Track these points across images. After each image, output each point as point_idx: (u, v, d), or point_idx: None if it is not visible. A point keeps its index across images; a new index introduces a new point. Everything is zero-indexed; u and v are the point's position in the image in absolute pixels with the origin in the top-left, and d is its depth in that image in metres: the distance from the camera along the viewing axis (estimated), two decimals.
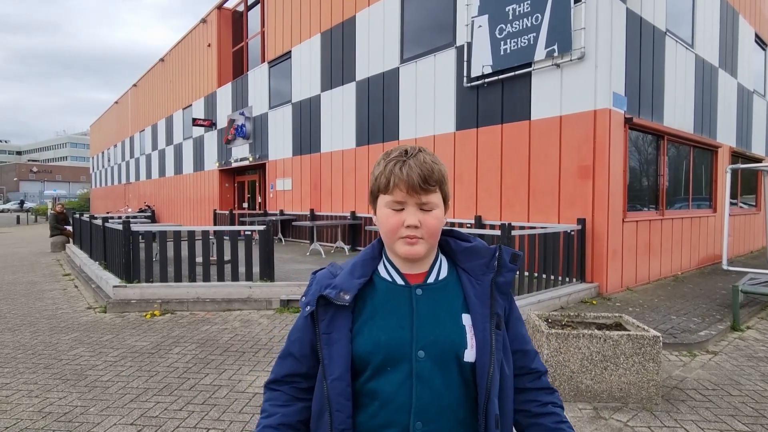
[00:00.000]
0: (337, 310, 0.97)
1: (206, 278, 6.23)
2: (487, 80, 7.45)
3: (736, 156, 10.27)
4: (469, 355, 0.94)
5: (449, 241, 1.04)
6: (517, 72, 7.02)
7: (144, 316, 5.63)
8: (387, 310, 0.97)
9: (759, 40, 11.35)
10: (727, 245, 5.66)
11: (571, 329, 3.40)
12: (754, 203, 11.74)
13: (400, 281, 0.99)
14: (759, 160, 11.23)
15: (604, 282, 6.25)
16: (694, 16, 8.28)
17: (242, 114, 14.89)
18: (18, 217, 31.23)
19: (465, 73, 7.75)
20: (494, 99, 7.46)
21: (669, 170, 7.80)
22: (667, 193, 7.73)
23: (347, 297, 0.96)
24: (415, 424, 0.91)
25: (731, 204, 5.98)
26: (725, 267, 5.61)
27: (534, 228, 6.42)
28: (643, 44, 6.87)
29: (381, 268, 1.02)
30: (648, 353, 3.19)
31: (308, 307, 1.00)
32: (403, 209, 0.94)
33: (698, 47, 8.41)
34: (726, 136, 9.71)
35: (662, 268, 7.58)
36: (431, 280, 1.00)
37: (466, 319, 0.97)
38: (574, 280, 6.18)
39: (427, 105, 8.62)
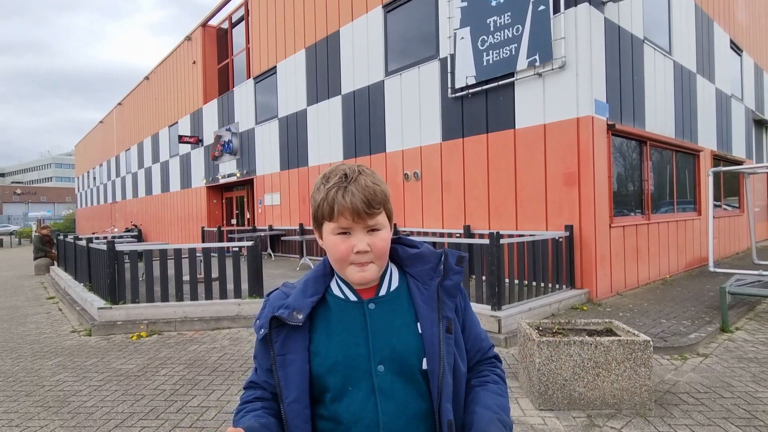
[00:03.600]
0: (290, 331, 0.96)
1: (194, 297, 6.13)
2: (471, 90, 7.53)
3: (717, 159, 10.46)
4: (426, 362, 0.95)
5: (397, 249, 1.05)
6: (500, 82, 7.10)
7: (130, 338, 5.51)
8: (342, 328, 0.96)
9: (734, 46, 11.65)
10: (713, 247, 5.73)
11: (562, 336, 3.39)
12: (737, 205, 11.94)
13: (352, 297, 0.99)
14: (740, 163, 11.45)
15: (594, 288, 6.27)
16: (670, 24, 8.48)
17: (229, 130, 14.85)
18: (1, 241, 30.62)
19: (449, 84, 7.83)
20: (479, 109, 7.53)
21: (653, 175, 7.91)
22: (652, 198, 7.82)
23: (300, 317, 0.95)
24: None
25: (715, 206, 6.06)
26: (712, 269, 5.66)
27: (522, 236, 6.43)
28: (622, 52, 7.00)
29: (333, 285, 1.02)
30: (639, 358, 3.19)
31: (262, 330, 0.98)
32: (349, 234, 0.93)
33: (676, 54, 8.60)
34: (707, 139, 9.89)
35: (650, 272, 7.63)
36: (383, 292, 1.00)
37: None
38: (564, 286, 6.19)
39: (413, 116, 8.67)
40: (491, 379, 1.06)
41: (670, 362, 4.14)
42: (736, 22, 11.82)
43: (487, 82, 7.28)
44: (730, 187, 11.57)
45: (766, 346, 4.54)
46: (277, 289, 1.06)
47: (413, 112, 8.67)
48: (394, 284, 1.01)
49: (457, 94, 7.73)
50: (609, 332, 3.57)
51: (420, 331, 0.96)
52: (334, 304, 0.99)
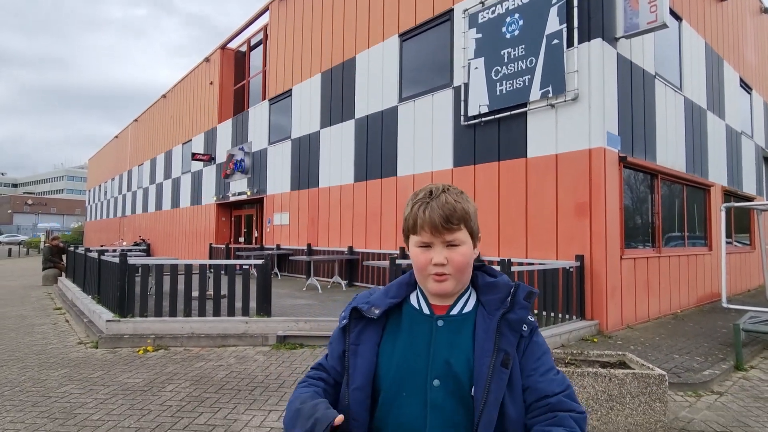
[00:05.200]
0: (367, 324, 1.05)
1: (202, 313, 6.13)
2: (483, 119, 7.64)
3: (728, 195, 10.44)
4: (473, 390, 0.96)
5: (477, 276, 1.09)
6: (513, 111, 7.21)
7: (136, 352, 5.49)
8: (408, 335, 1.02)
9: (744, 84, 11.78)
10: (725, 283, 5.67)
11: (575, 367, 3.35)
12: (748, 242, 11.84)
13: (426, 310, 1.04)
14: (750, 199, 11.41)
15: (605, 319, 6.20)
16: (681, 61, 8.62)
17: (242, 149, 15.08)
18: (9, 250, 30.87)
19: (462, 112, 7.95)
20: (491, 137, 7.63)
21: (663, 208, 7.90)
22: (662, 231, 7.79)
23: (377, 311, 1.03)
24: None
25: (726, 242, 6.01)
26: (725, 305, 5.59)
27: (532, 264, 6.42)
28: (634, 86, 7.11)
29: (413, 296, 1.08)
30: (654, 393, 3.14)
31: (344, 320, 1.08)
32: (430, 247, 0.99)
33: (686, 90, 8.71)
34: (717, 175, 9.90)
35: (661, 305, 7.54)
36: (454, 312, 1.03)
37: None
38: (574, 317, 6.13)
39: (425, 142, 8.79)
40: None
41: (684, 399, 4.06)
42: (746, 62, 11.99)
43: (499, 111, 7.40)
44: (740, 223, 11.50)
45: None
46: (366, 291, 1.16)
47: (425, 138, 8.79)
48: (468, 308, 1.04)
49: (470, 122, 7.85)
50: (622, 365, 3.52)
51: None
52: (408, 313, 1.05)
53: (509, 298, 1.02)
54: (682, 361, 4.95)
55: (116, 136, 30.32)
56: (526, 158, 7.10)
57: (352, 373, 1.01)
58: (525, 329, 1.00)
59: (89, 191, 38.00)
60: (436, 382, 0.96)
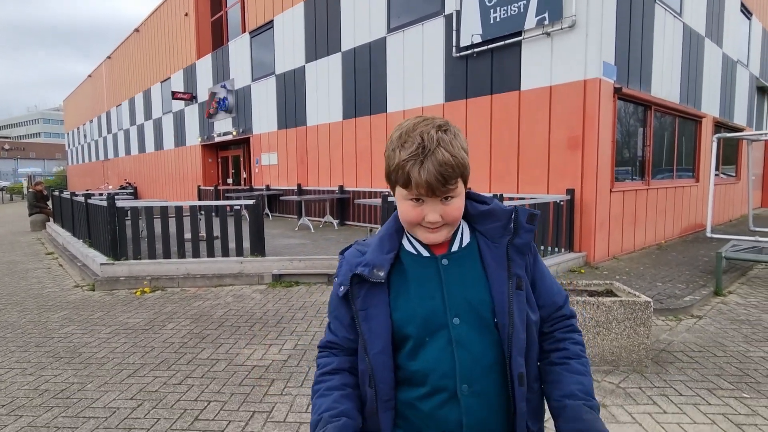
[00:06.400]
0: (371, 287, 0.98)
1: (196, 254, 6.16)
2: (476, 50, 7.34)
3: (719, 126, 10.41)
4: (497, 318, 0.96)
5: (467, 204, 1.02)
6: (507, 41, 6.92)
7: (134, 293, 5.57)
8: (417, 282, 0.98)
9: (744, 9, 11.37)
10: (711, 213, 5.79)
11: None
12: (732, 173, 12.00)
13: (425, 253, 1.00)
14: (740, 130, 11.41)
15: (592, 251, 6.37)
16: None
17: (224, 87, 14.48)
18: None
19: (454, 43, 7.61)
20: (484, 69, 7.37)
21: (654, 140, 7.88)
22: (652, 164, 7.83)
23: (381, 273, 0.97)
24: (462, 387, 0.93)
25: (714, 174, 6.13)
26: (709, 234, 5.75)
27: (523, 198, 6.46)
28: (633, 11, 6.81)
29: (405, 242, 1.02)
30: (639, 318, 3.28)
31: (342, 287, 0.99)
32: (422, 201, 0.93)
33: (686, 16, 8.38)
34: (710, 105, 9.81)
35: (647, 237, 7.74)
36: (455, 248, 1.00)
37: None
38: (563, 249, 6.28)
39: (416, 76, 8.48)
40: (572, 352, 1.01)
41: (665, 323, 4.27)
42: None
43: (493, 41, 7.09)
44: (726, 155, 11.58)
45: (757, 308, 4.68)
46: (350, 246, 1.06)
47: (416, 72, 8.47)
48: (466, 240, 1.01)
49: (462, 54, 7.54)
50: (609, 293, 3.65)
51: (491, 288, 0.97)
52: (408, 260, 1.00)
53: (511, 224, 0.99)
54: (664, 288, 5.16)
55: (90, 75, 28.83)
56: (520, 91, 6.91)
57: (369, 339, 0.96)
58: (529, 250, 1.01)
59: (68, 134, 36.73)
60: (456, 320, 0.94)
